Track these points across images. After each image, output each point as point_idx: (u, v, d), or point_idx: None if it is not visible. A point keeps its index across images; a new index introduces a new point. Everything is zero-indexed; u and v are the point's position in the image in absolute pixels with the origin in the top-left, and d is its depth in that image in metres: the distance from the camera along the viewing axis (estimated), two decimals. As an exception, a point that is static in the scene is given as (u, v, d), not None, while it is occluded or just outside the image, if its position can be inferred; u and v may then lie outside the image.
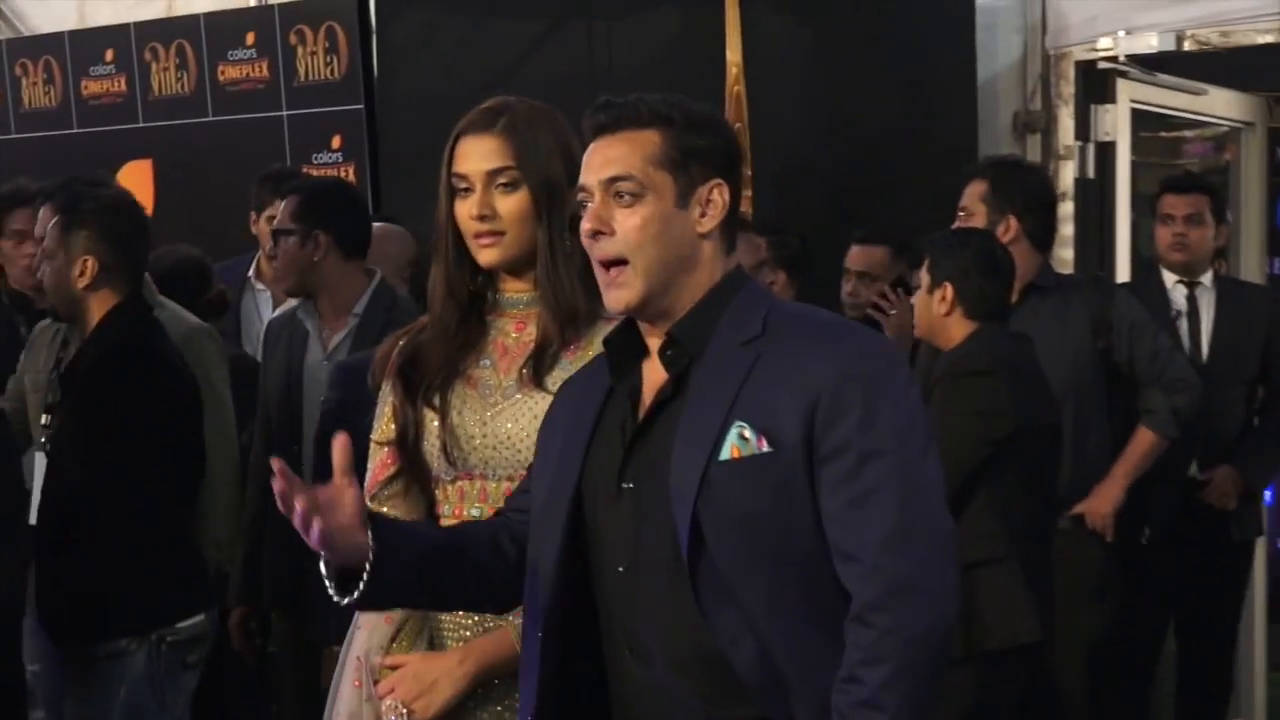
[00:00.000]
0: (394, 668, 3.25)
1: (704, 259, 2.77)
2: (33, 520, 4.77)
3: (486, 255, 3.22)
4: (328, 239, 5.21)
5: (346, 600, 2.79)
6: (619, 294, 2.76)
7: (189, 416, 4.73)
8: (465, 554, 2.92)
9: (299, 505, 2.66)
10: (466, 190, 3.22)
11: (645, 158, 2.74)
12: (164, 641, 4.56)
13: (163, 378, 4.65)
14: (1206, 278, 6.43)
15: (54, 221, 4.71)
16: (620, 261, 2.75)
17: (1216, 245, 6.50)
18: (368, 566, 2.74)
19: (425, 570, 2.87)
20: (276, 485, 2.66)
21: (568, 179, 3.13)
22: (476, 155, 3.21)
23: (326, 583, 2.80)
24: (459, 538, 2.97)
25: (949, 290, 4.86)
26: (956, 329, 4.88)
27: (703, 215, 2.76)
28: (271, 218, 6.47)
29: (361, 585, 2.75)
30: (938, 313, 4.89)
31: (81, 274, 4.63)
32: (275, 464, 2.67)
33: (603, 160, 2.78)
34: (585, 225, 2.78)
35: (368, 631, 3.31)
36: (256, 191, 6.69)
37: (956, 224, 5.50)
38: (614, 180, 2.75)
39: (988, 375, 4.71)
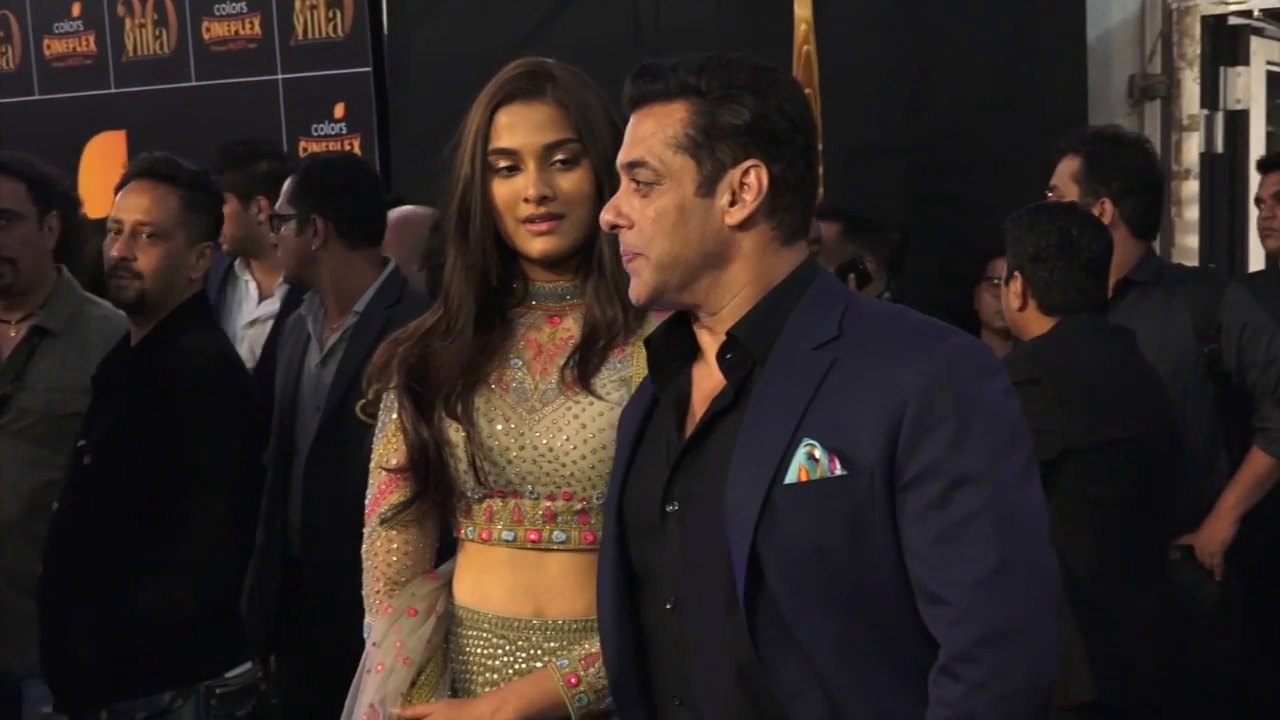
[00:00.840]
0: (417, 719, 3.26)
1: (741, 252, 2.76)
2: None
3: (542, 244, 3.20)
4: (327, 225, 5.22)
5: None
6: (634, 285, 2.80)
7: (251, 433, 4.74)
8: None
9: None
10: (511, 169, 3.19)
11: (665, 140, 2.75)
12: (213, 694, 4.52)
13: (234, 386, 4.67)
14: None
15: (175, 196, 4.68)
16: (637, 252, 2.77)
17: None
18: None
19: None
20: None
21: (615, 150, 3.10)
22: (528, 127, 3.19)
23: None
24: None
25: (1019, 281, 4.82)
26: (1036, 325, 4.82)
27: (733, 203, 2.75)
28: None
29: None
30: (1013, 307, 4.85)
31: (199, 261, 4.67)
32: None
33: (630, 140, 2.80)
34: (604, 216, 2.82)
35: (381, 676, 3.30)
36: None
37: None
38: (632, 166, 2.77)
39: (1033, 386, 4.58)
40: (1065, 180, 5.54)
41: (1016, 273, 4.82)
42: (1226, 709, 5.68)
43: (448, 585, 3.36)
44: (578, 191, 3.19)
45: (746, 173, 2.73)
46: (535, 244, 3.21)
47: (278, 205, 5.40)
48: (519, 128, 3.19)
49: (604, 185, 3.16)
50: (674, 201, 2.73)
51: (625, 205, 2.77)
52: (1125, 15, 7.35)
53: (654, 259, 2.74)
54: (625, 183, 2.79)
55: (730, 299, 2.76)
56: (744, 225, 2.74)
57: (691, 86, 2.74)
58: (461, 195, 3.24)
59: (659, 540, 2.78)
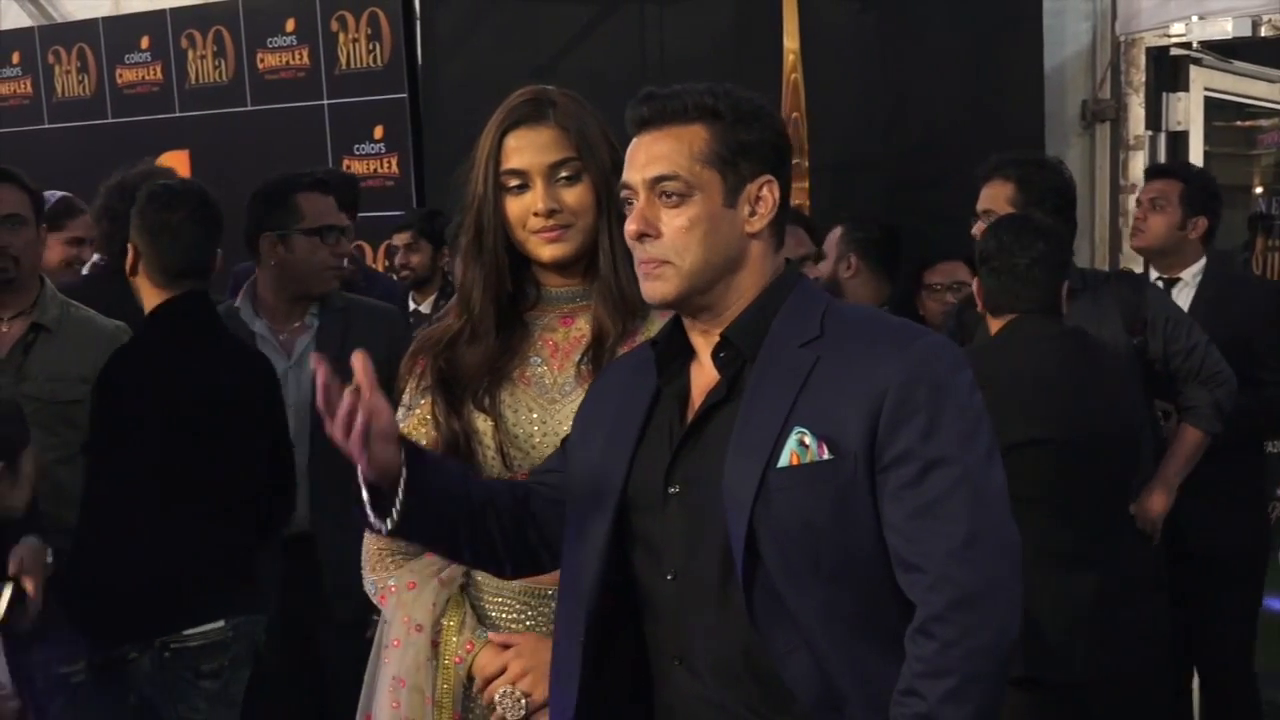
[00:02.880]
0: (506, 646, 3.22)
1: (752, 258, 2.76)
2: None
3: (552, 250, 3.20)
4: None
5: (386, 525, 2.78)
6: (655, 286, 2.75)
7: (155, 419, 4.69)
8: (487, 507, 2.91)
9: (345, 402, 2.65)
10: (521, 187, 3.19)
11: (692, 155, 2.72)
12: (168, 649, 4.56)
13: (179, 375, 4.65)
14: (1189, 273, 6.22)
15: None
16: (664, 261, 2.74)
17: (1189, 236, 6.18)
18: (402, 483, 2.75)
19: (448, 507, 2.87)
20: (320, 376, 2.65)
21: (613, 167, 3.15)
22: (534, 149, 3.19)
23: (364, 507, 2.79)
24: (483, 490, 2.95)
25: (975, 283, 4.80)
26: (993, 326, 4.80)
27: (752, 214, 2.74)
28: None
29: (397, 504, 2.75)
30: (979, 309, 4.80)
31: (131, 261, 4.69)
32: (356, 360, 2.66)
33: (647, 158, 2.76)
34: (630, 227, 2.76)
35: (400, 650, 3.28)
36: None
37: (976, 227, 5.40)
38: (659, 180, 2.74)
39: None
40: (1001, 203, 5.41)
41: (976, 278, 4.82)
42: (1166, 662, 5.65)
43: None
44: (580, 203, 3.19)
45: (761, 187, 2.73)
46: (546, 250, 3.21)
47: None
48: (525, 150, 3.19)
49: (602, 196, 3.19)
50: (705, 211, 2.71)
51: (650, 215, 2.74)
52: (1078, 47, 7.34)
53: (685, 266, 2.72)
54: (646, 196, 2.74)
55: (735, 300, 2.75)
56: (757, 234, 2.75)
57: (709, 109, 2.73)
58: (476, 212, 3.23)
59: (661, 518, 2.76)
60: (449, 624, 3.26)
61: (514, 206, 3.20)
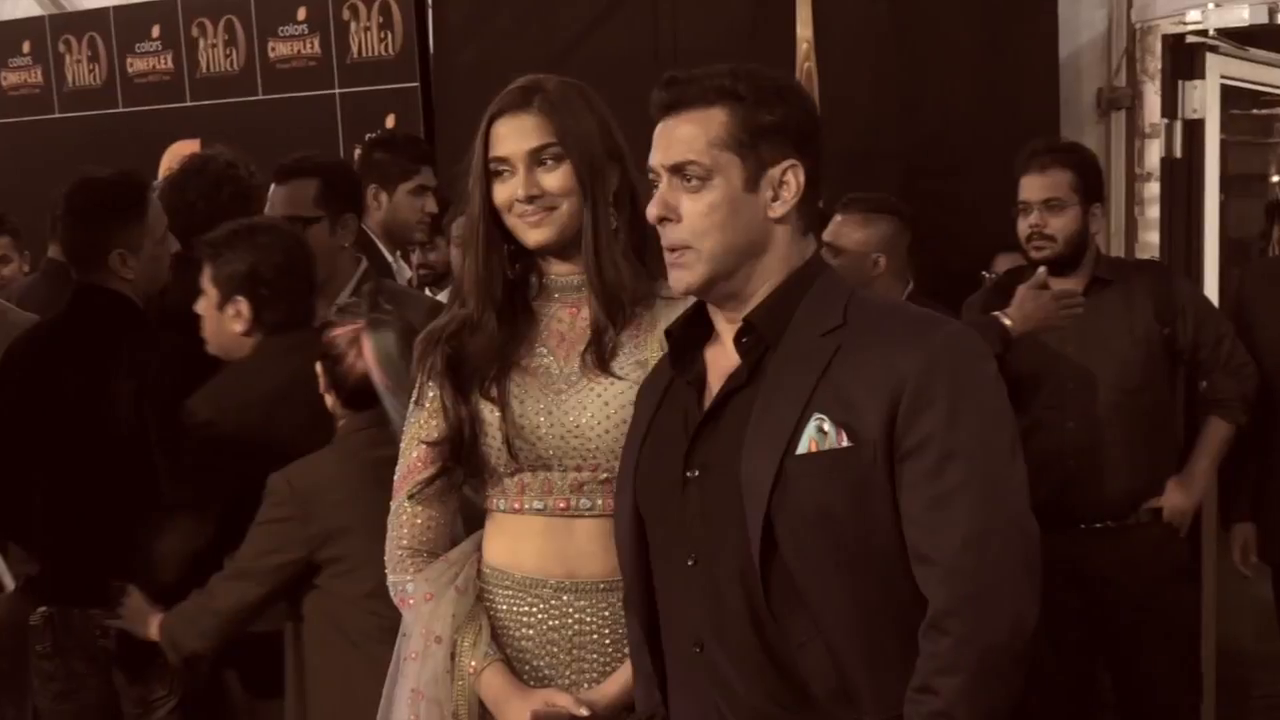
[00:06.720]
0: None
1: (776, 243, 2.77)
2: None
3: (536, 234, 3.24)
4: (356, 223, 5.17)
5: None
6: (680, 275, 2.78)
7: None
8: None
9: None
10: (507, 173, 3.23)
11: (710, 140, 2.73)
12: None
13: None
14: None
15: None
16: (685, 246, 2.76)
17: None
18: None
19: None
20: None
21: (606, 154, 3.20)
22: (516, 135, 3.22)
23: None
24: None
25: None
26: None
27: (775, 199, 2.75)
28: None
29: None
30: None
31: None
32: None
33: (668, 142, 2.78)
34: (651, 210, 2.80)
35: (418, 663, 3.31)
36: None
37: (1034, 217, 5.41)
38: (679, 165, 2.76)
39: None
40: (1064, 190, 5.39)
41: None
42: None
43: (464, 562, 3.37)
44: (562, 187, 3.21)
45: (785, 171, 2.74)
46: (531, 235, 3.24)
47: (293, 208, 5.18)
48: (509, 137, 3.22)
49: (585, 180, 3.21)
50: (725, 196, 2.73)
51: (670, 199, 2.77)
52: (1093, 34, 7.32)
53: (706, 251, 2.74)
54: (668, 180, 2.77)
55: (761, 285, 2.77)
56: (781, 219, 2.76)
57: (729, 91, 2.74)
58: (471, 202, 3.28)
59: (680, 503, 2.79)
60: (465, 638, 3.28)
61: (500, 192, 3.24)
